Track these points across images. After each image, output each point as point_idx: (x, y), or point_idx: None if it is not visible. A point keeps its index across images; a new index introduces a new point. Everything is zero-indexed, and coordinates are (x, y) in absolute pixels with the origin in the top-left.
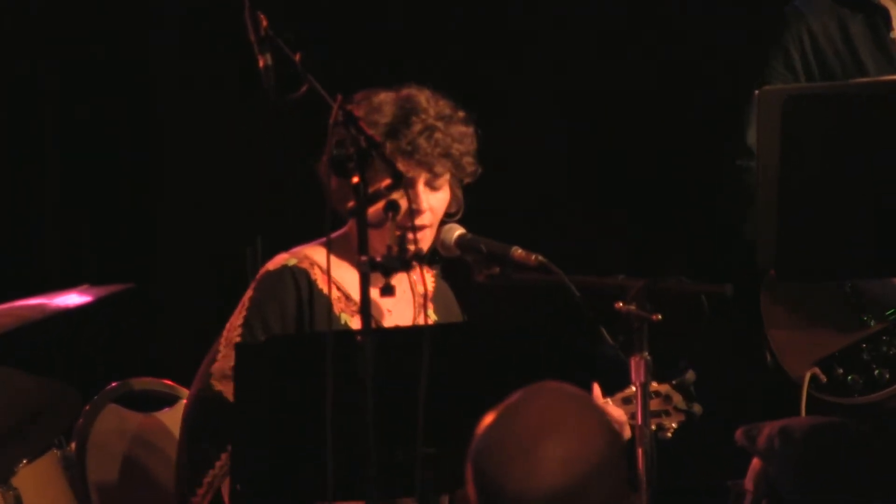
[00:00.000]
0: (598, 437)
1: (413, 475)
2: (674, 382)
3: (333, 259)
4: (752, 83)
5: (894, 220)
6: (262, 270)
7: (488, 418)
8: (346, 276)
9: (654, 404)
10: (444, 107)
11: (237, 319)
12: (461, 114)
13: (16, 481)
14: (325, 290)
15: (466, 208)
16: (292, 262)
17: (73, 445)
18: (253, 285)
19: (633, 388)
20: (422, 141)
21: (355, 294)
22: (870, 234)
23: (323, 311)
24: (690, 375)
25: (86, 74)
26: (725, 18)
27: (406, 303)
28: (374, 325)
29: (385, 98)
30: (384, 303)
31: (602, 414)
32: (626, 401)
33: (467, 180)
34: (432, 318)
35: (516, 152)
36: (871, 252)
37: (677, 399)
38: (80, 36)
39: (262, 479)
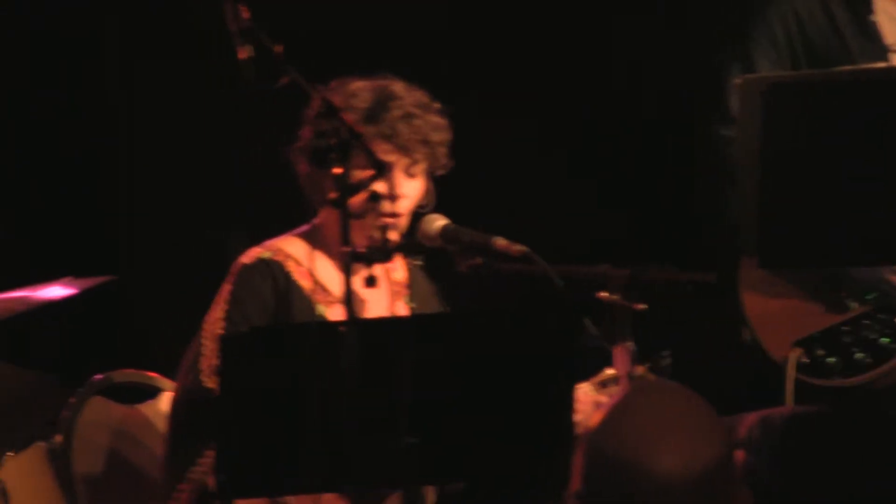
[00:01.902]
0: (718, 433)
1: (397, 465)
2: (649, 365)
3: (306, 250)
4: (732, 53)
5: (876, 208)
6: (238, 264)
7: (599, 415)
8: (320, 267)
9: None
10: (421, 96)
11: (218, 313)
12: (436, 104)
13: (1, 473)
14: (301, 282)
15: (452, 199)
16: (266, 255)
17: (58, 437)
18: (229, 279)
19: (609, 372)
20: (401, 126)
21: (331, 285)
22: (851, 223)
23: (300, 303)
24: (667, 357)
25: (65, 71)
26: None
27: (382, 291)
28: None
29: (361, 85)
30: (361, 292)
31: (714, 413)
32: (603, 384)
33: (440, 172)
34: (408, 305)
35: (503, 144)
36: (853, 241)
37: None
38: (46, 29)
39: (247, 470)
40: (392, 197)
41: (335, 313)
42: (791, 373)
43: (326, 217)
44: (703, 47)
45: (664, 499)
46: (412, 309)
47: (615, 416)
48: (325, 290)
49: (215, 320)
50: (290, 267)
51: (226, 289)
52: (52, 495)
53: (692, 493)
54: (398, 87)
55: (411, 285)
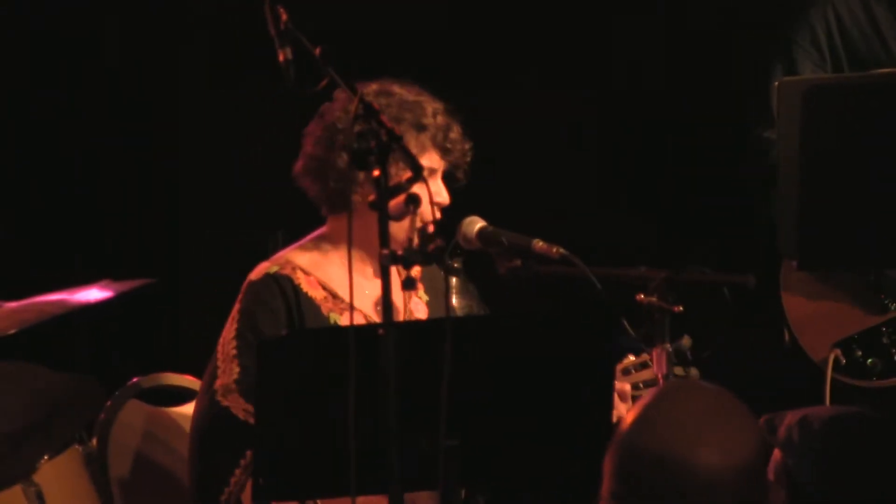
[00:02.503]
0: (753, 427)
1: (436, 468)
2: (670, 350)
3: (315, 259)
4: (775, 55)
5: None
6: (246, 281)
7: (633, 413)
8: (331, 275)
9: (651, 373)
10: (438, 101)
11: (229, 333)
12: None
13: (37, 477)
14: (311, 293)
15: (489, 201)
16: (274, 269)
17: (94, 441)
18: (239, 297)
19: (631, 358)
20: (452, 134)
21: (342, 292)
22: (891, 225)
23: (311, 313)
24: (686, 341)
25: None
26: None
27: (395, 289)
28: (366, 319)
29: (380, 89)
30: (372, 293)
31: (747, 408)
32: (626, 372)
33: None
34: (423, 299)
35: (536, 144)
36: (893, 243)
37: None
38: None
39: (285, 473)
40: (440, 203)
41: (347, 321)
42: (829, 373)
43: (332, 224)
44: (747, 49)
45: (703, 493)
46: (427, 303)
47: (650, 414)
48: (336, 297)
49: (228, 340)
50: (299, 278)
51: (236, 308)
52: (89, 499)
53: (731, 486)
54: (422, 93)
55: (423, 279)
